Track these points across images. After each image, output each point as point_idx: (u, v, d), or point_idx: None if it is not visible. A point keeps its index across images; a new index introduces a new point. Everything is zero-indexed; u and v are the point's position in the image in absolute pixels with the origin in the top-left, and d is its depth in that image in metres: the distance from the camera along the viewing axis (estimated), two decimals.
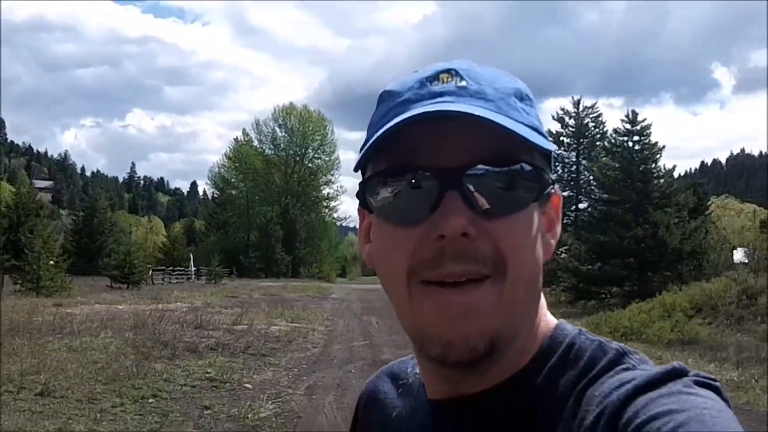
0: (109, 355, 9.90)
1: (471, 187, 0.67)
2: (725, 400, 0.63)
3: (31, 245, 26.86)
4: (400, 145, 0.69)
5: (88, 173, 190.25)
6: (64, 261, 28.76)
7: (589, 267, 25.67)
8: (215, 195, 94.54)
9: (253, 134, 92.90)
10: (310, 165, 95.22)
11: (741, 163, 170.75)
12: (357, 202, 0.75)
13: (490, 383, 0.73)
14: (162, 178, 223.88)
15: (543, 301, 0.78)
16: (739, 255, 23.12)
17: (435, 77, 0.72)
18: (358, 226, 0.82)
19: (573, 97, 45.16)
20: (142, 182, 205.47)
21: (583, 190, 35.85)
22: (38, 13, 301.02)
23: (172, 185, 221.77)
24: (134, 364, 9.19)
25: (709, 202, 38.35)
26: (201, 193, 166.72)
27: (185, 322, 14.26)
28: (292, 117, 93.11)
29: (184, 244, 69.02)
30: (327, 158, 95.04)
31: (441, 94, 0.70)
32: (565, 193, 37.26)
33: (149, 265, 40.85)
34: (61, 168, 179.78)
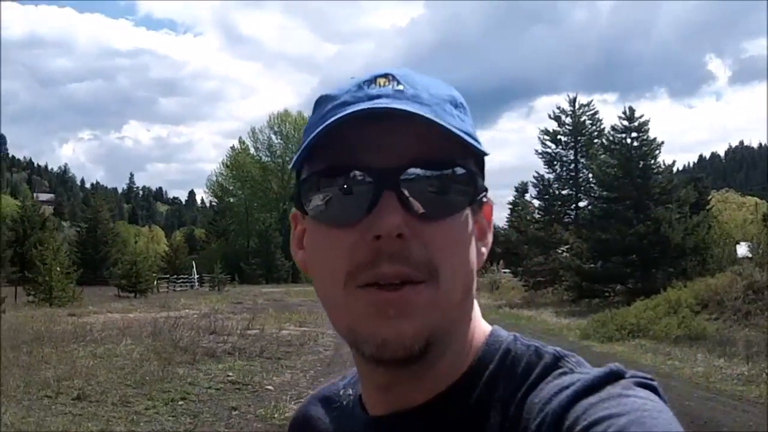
0: (133, 361, 10.19)
1: (406, 189, 0.68)
2: (663, 399, 0.65)
3: (42, 257, 27.14)
4: (337, 146, 0.69)
5: (87, 185, 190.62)
6: (74, 272, 29.08)
7: (592, 265, 25.79)
8: (213, 203, 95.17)
9: (249, 142, 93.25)
10: None
11: (740, 155, 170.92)
12: None
13: (429, 393, 0.73)
14: (160, 188, 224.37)
15: (477, 307, 0.79)
16: (742, 249, 23.31)
17: (372, 81, 0.73)
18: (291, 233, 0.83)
19: (569, 95, 45.08)
20: (140, 192, 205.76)
21: (582, 188, 35.87)
22: (32, 30, 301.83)
23: (171, 194, 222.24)
24: (159, 369, 9.48)
25: (710, 197, 38.56)
26: (199, 201, 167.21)
27: (200, 328, 14.57)
28: (287, 124, 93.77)
29: (186, 253, 69.31)
30: None
31: (378, 96, 0.70)
32: (564, 192, 37.32)
33: (154, 274, 41.08)
34: (62, 181, 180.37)
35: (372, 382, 0.76)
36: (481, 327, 0.78)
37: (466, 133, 0.70)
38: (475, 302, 0.78)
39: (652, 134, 26.09)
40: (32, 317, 18.82)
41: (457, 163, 0.70)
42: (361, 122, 0.67)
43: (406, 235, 0.66)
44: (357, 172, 0.69)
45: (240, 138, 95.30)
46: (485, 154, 0.74)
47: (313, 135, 0.69)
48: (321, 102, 0.76)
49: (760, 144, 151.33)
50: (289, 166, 0.77)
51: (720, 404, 8.27)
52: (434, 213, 0.69)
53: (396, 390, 0.73)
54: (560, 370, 0.70)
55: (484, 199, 0.76)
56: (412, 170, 0.68)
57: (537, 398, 0.67)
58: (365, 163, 0.68)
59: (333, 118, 0.67)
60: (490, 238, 0.79)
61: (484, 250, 0.77)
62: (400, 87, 0.71)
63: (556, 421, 0.63)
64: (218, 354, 11.38)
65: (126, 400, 7.72)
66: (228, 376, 9.54)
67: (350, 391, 0.86)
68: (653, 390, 0.65)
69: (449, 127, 0.67)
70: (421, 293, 0.67)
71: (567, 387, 0.65)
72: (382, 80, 0.72)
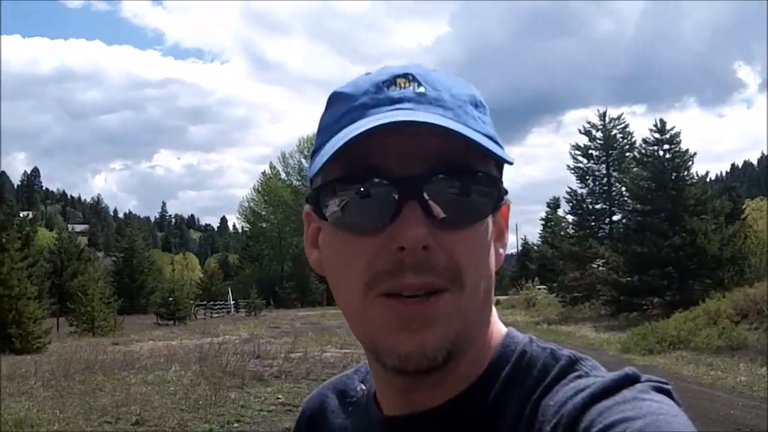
0: (184, 387, 10.50)
1: (430, 198, 0.67)
2: (678, 403, 0.64)
3: (83, 288, 27.77)
4: (357, 151, 0.67)
5: (120, 215, 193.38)
6: (114, 301, 29.68)
7: (629, 278, 25.73)
8: (246, 229, 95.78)
9: (279, 167, 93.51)
10: None
11: None
12: None
13: (446, 396, 0.73)
14: (192, 215, 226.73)
15: (494, 309, 0.78)
16: None
17: (392, 82, 0.71)
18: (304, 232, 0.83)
19: (598, 110, 45.09)
20: (173, 220, 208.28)
21: (615, 201, 35.87)
22: (62, 64, 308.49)
23: (203, 221, 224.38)
24: (210, 393, 9.76)
25: (744, 206, 38.20)
26: (231, 227, 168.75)
27: (244, 353, 14.86)
28: None
29: (221, 279, 70.07)
30: None
31: (400, 100, 0.69)
32: (598, 206, 37.31)
33: (192, 302, 41.63)
34: (95, 211, 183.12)
35: (390, 387, 0.76)
36: (497, 328, 0.78)
37: (488, 136, 0.70)
38: (493, 305, 0.78)
39: (683, 145, 26.12)
40: (77, 347, 19.34)
41: (480, 169, 0.70)
42: (383, 130, 0.66)
43: (431, 246, 0.66)
44: (379, 180, 0.68)
45: (270, 163, 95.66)
46: (509, 162, 0.72)
47: (340, 144, 0.66)
48: (335, 100, 0.75)
49: None
50: (308, 173, 0.75)
51: (765, 412, 8.33)
52: (458, 220, 0.68)
53: (414, 394, 0.74)
54: (576, 373, 0.70)
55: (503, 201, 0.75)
56: (435, 178, 0.67)
57: (552, 400, 0.68)
58: (387, 171, 0.68)
59: (358, 131, 0.65)
60: (507, 238, 0.79)
61: (501, 251, 0.77)
62: (421, 89, 0.70)
63: (572, 423, 0.63)
64: (265, 377, 11.66)
65: (183, 423, 8.01)
66: (278, 398, 9.80)
67: (365, 386, 0.86)
68: (668, 394, 0.65)
69: (474, 137, 0.67)
70: (446, 302, 0.67)
71: (582, 390, 0.66)
72: (401, 81, 0.71)
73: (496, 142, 0.71)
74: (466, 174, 0.68)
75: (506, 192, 0.74)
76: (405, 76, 0.71)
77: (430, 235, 0.66)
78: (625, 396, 0.63)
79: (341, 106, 0.72)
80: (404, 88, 0.70)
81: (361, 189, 0.68)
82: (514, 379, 0.73)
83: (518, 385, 0.72)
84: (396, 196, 0.67)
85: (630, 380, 0.65)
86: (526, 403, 0.70)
